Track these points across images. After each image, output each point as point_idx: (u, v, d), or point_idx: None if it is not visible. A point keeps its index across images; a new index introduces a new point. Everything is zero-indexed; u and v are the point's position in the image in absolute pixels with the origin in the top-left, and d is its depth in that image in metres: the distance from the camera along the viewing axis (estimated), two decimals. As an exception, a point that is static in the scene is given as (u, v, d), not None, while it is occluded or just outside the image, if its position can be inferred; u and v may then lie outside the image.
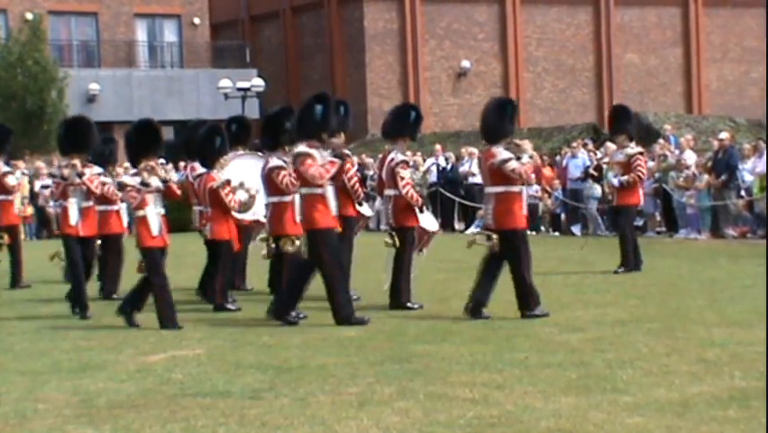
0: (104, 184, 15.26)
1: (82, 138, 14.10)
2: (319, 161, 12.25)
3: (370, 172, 26.13)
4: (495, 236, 12.30)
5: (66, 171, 13.83)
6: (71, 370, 9.68)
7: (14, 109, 38.64)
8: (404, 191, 13.29)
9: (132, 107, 46.85)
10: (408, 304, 13.23)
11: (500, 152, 12.45)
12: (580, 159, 28.05)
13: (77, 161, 13.82)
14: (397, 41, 50.39)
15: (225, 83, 43.39)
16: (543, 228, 28.07)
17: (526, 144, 12.87)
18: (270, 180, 12.75)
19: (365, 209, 14.73)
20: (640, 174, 17.08)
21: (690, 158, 25.28)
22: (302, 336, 11.21)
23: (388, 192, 13.55)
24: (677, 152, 26.02)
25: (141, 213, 12.47)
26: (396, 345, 10.37)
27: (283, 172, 12.60)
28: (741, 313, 11.84)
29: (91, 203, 14.60)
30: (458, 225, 29.62)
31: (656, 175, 25.43)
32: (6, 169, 18.22)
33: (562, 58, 53.15)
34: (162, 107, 47.37)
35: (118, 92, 46.89)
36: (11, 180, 18.30)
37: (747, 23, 56.09)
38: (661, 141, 27.66)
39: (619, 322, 11.43)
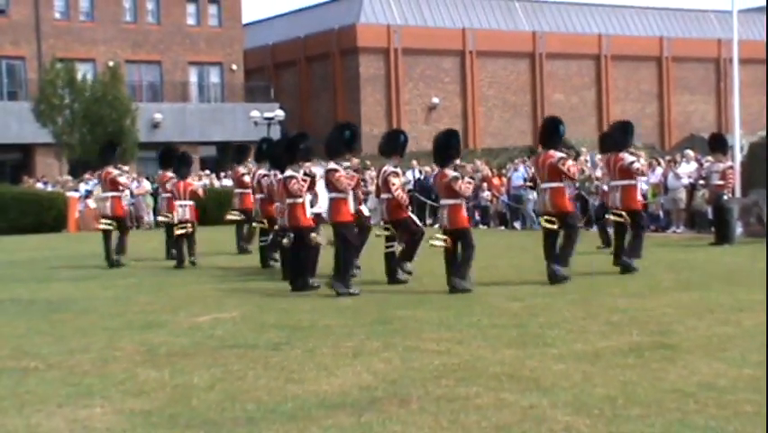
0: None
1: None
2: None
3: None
4: (625, 213, 13.57)
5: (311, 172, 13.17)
6: (140, 327, 9.68)
7: (99, 132, 38.63)
8: (395, 194, 13.20)
9: (185, 132, 46.80)
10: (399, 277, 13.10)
11: (627, 157, 13.73)
12: (520, 172, 28.04)
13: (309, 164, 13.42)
14: (384, 83, 50.36)
15: (255, 113, 43.32)
16: (492, 224, 28.05)
17: (641, 152, 14.41)
18: (284, 186, 12.76)
19: (364, 209, 14.62)
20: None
21: (599, 172, 25.26)
22: (311, 303, 11.20)
23: (383, 196, 13.37)
24: (590, 165, 26.03)
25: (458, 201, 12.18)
26: (382, 311, 10.37)
27: (293, 180, 12.68)
28: (638, 287, 11.86)
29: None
30: (428, 221, 29.57)
31: (576, 184, 25.40)
32: (117, 172, 18.22)
33: (506, 96, 53.17)
34: (208, 132, 47.35)
35: (175, 120, 46.80)
36: (122, 179, 18.44)
37: (642, 72, 56.29)
38: (581, 158, 27.66)
39: (549, 294, 11.43)
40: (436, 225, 27.09)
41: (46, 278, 15.26)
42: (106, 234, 17.55)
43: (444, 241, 12.27)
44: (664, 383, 6.44)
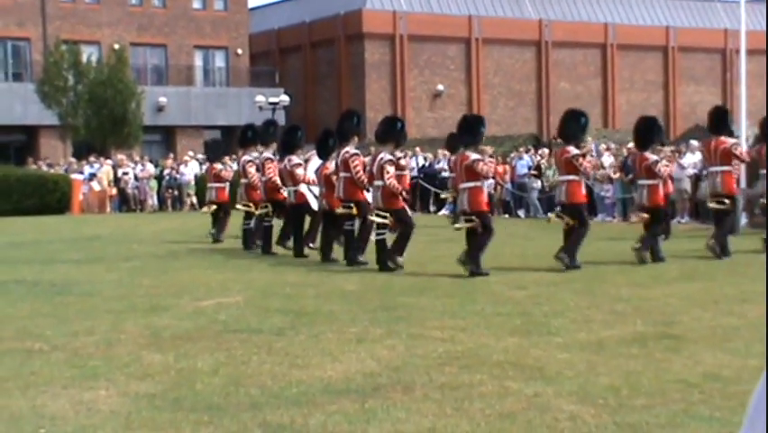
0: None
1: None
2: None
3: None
4: (727, 200, 14.04)
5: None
6: (144, 310, 9.68)
7: (105, 115, 38.67)
8: (388, 183, 13.13)
9: (190, 116, 46.79)
10: (390, 264, 12.91)
11: (729, 140, 14.22)
12: (524, 160, 28.02)
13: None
14: (389, 70, 50.28)
15: (260, 98, 43.31)
16: (496, 212, 27.99)
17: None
18: (469, 169, 12.45)
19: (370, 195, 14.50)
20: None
21: (607, 161, 25.27)
22: (315, 289, 11.20)
23: (377, 183, 13.32)
24: (594, 154, 26.01)
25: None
26: (385, 297, 10.37)
27: (480, 163, 12.46)
28: (642, 277, 11.86)
29: None
30: (432, 208, 29.60)
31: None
32: (220, 166, 19.06)
33: (512, 84, 53.08)
34: (213, 116, 47.36)
35: (180, 104, 46.80)
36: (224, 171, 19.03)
37: (648, 62, 56.16)
38: (586, 147, 27.65)
39: (553, 283, 11.42)
40: (441, 212, 27.19)
41: (50, 260, 15.27)
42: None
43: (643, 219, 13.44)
44: (669, 374, 6.43)
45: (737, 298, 9.82)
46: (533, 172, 26.70)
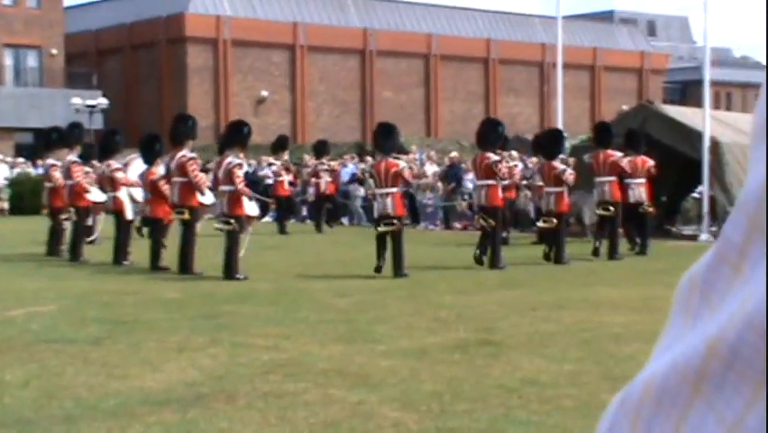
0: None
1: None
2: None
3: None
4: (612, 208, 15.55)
5: None
6: (-52, 321, 9.20)
7: None
8: (239, 187, 12.96)
9: (-1, 116, 44.97)
10: (237, 276, 12.62)
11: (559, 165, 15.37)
12: (349, 167, 28.24)
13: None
14: (212, 74, 49.75)
15: (77, 100, 42.06)
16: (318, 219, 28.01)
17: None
18: (490, 169, 14.02)
19: (207, 198, 14.19)
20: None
21: (430, 170, 25.77)
22: (135, 297, 10.93)
23: (224, 188, 13.12)
24: (419, 164, 26.54)
25: None
26: (208, 305, 10.23)
27: (500, 165, 14.18)
28: (464, 284, 12.12)
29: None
30: (256, 213, 29.29)
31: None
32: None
33: (336, 92, 53.43)
34: (24, 118, 45.59)
35: (-12, 104, 44.95)
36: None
37: (470, 73, 57.65)
38: (409, 156, 28.13)
39: (377, 290, 11.54)
40: (264, 219, 27.04)
41: None
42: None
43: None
44: (489, 379, 6.60)
45: (554, 304, 10.18)
46: (359, 177, 26.85)
